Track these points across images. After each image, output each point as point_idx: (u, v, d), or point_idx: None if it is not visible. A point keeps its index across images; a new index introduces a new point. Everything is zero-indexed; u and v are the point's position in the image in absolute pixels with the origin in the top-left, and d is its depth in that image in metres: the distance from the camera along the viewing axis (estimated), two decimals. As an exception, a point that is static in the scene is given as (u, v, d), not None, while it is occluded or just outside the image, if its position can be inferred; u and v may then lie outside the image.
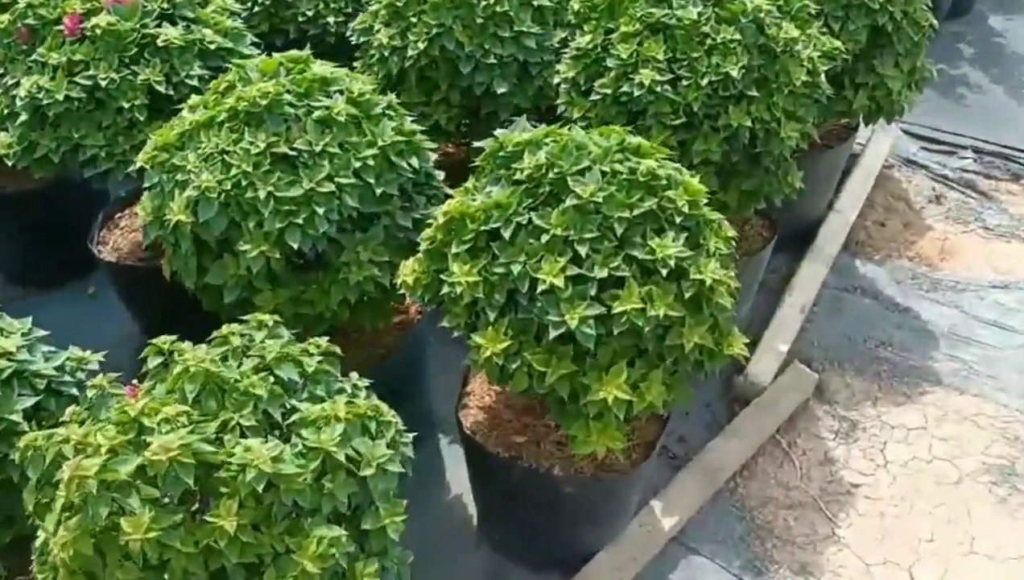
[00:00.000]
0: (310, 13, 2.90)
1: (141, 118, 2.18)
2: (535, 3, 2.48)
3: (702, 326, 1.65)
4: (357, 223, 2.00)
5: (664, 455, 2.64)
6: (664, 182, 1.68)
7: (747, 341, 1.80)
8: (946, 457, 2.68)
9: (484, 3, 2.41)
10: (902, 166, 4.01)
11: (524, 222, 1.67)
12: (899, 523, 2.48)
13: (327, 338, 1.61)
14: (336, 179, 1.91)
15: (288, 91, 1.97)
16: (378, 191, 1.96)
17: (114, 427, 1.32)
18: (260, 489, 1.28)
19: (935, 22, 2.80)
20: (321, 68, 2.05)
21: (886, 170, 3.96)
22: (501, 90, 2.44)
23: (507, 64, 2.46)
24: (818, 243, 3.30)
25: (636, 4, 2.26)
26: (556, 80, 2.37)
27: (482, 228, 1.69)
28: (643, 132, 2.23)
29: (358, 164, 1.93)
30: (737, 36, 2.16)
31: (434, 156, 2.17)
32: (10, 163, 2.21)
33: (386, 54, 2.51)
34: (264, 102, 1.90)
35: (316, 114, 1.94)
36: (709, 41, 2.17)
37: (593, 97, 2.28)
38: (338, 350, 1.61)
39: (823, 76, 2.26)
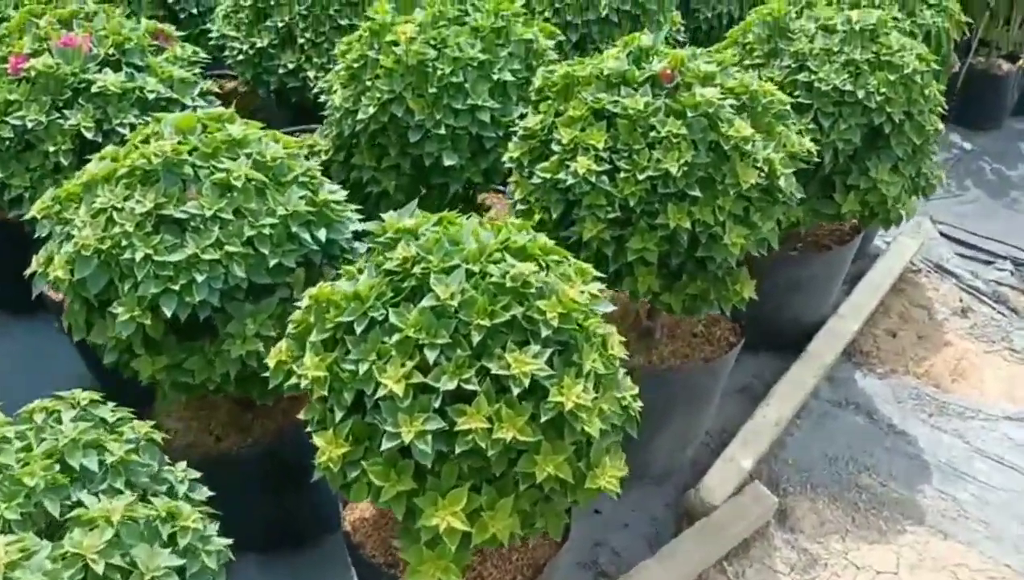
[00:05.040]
0: (291, 66, 2.85)
1: (66, 163, 2.14)
2: (496, 76, 2.37)
3: (559, 455, 1.47)
4: (250, 293, 1.90)
5: (592, 569, 2.43)
6: (535, 290, 1.52)
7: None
8: (910, 611, 2.39)
9: (439, 72, 2.31)
10: (931, 272, 3.72)
11: (380, 318, 1.53)
12: None
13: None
14: (225, 247, 1.81)
15: (194, 149, 1.90)
16: (272, 262, 1.85)
17: None
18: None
19: (940, 126, 2.57)
20: (238, 128, 1.97)
21: (912, 275, 3.68)
22: (449, 162, 2.33)
23: (459, 136, 2.35)
24: (810, 350, 3.05)
25: (589, 87, 2.13)
26: (504, 158, 2.25)
27: (339, 319, 1.56)
28: (578, 222, 2.08)
29: (252, 232, 1.83)
30: (684, 130, 1.99)
31: (358, 225, 2.06)
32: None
33: (338, 116, 2.43)
34: (158, 161, 1.83)
35: (215, 177, 1.85)
36: (653, 133, 2.01)
37: (535, 181, 2.14)
38: (158, 437, 1.50)
39: (783, 179, 2.06)
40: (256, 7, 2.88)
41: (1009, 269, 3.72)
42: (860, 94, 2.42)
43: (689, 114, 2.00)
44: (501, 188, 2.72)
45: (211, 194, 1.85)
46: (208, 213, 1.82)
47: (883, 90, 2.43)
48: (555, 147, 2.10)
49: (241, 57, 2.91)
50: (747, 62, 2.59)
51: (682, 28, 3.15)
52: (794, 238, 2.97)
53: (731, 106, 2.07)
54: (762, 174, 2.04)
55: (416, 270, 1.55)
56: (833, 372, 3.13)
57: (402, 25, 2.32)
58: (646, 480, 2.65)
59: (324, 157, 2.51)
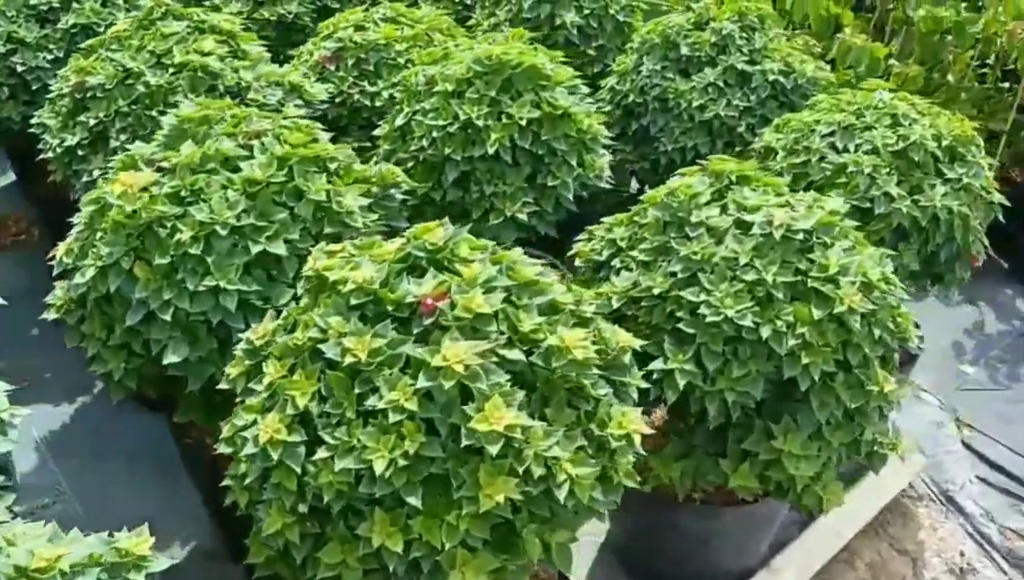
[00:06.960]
0: (96, 174, 2.33)
1: None
2: (258, 249, 1.75)
3: None
4: None
5: None
6: None
7: None
8: None
9: (177, 238, 1.71)
10: (933, 502, 2.87)
11: None
12: None
13: None
14: None
15: None
16: None
17: None
18: None
19: (892, 386, 1.79)
20: None
21: (907, 500, 2.84)
22: (172, 359, 1.72)
23: (195, 324, 1.74)
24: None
25: (329, 302, 1.49)
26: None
27: None
28: (264, 506, 1.44)
29: None
30: (413, 406, 1.32)
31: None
32: None
33: (65, 273, 1.87)
34: None
35: None
36: (373, 399, 1.35)
37: (239, 421, 1.51)
38: None
39: (578, 488, 1.36)
40: (74, 96, 2.36)
41: (1038, 513, 2.84)
42: (765, 333, 1.69)
43: (424, 381, 1.33)
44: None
45: None
46: None
47: (801, 330, 1.69)
48: (257, 386, 1.47)
49: (51, 154, 2.39)
50: (634, 253, 1.90)
51: (631, 164, 2.46)
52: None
53: (518, 362, 1.39)
54: (535, 479, 1.35)
55: None
56: (752, 648, 2.36)
57: (127, 173, 1.73)
58: None
59: (58, 314, 1.95)
